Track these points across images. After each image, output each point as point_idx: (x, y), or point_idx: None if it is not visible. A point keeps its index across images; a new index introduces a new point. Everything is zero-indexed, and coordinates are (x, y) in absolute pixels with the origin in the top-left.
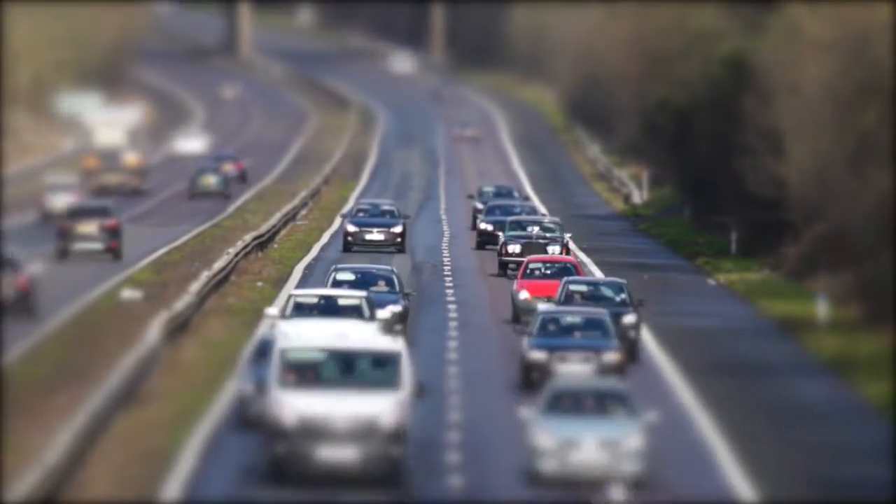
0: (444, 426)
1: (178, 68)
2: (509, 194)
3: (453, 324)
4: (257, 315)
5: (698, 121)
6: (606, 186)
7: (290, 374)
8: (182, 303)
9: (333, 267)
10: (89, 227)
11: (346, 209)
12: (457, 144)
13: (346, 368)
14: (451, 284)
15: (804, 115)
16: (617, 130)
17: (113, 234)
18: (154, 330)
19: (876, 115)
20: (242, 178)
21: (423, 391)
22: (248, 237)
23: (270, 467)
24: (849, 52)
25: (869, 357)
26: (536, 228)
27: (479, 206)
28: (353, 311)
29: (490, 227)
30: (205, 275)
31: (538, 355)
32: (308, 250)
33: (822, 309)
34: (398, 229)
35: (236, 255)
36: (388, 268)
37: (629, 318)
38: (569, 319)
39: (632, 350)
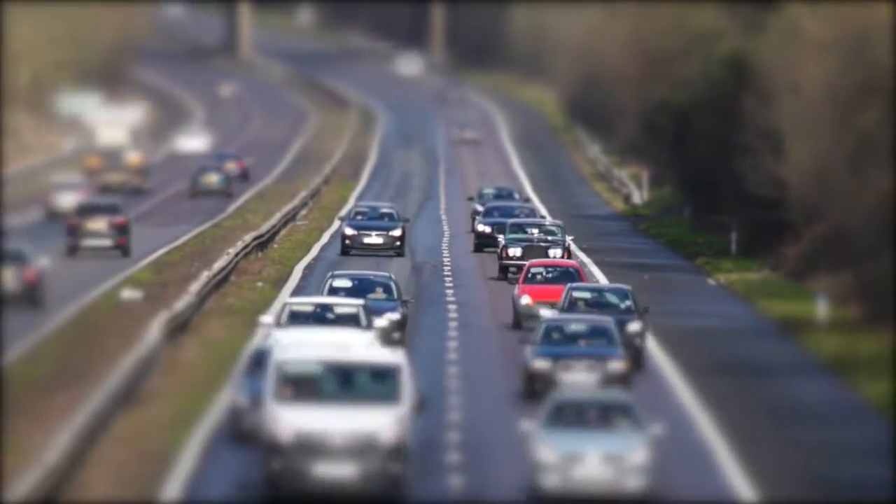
0: (444, 426)
1: (177, 68)
2: (510, 196)
3: (453, 324)
4: (257, 315)
5: (698, 121)
6: (606, 186)
7: (287, 388)
8: (182, 303)
9: (330, 274)
10: (99, 223)
11: (343, 212)
12: (456, 147)
13: (345, 382)
14: (450, 285)
15: (804, 115)
16: (617, 130)
17: (122, 230)
18: (154, 330)
19: (876, 115)
20: (244, 177)
21: (424, 406)
22: (248, 237)
23: (266, 484)
24: (849, 52)
25: (869, 357)
26: (536, 231)
27: (479, 207)
28: (351, 320)
29: (488, 229)
30: (205, 275)
31: (542, 364)
32: (308, 250)
33: (822, 309)
34: (397, 232)
35: (236, 255)
36: (386, 274)
37: (634, 326)
38: (573, 327)
39: (637, 358)
